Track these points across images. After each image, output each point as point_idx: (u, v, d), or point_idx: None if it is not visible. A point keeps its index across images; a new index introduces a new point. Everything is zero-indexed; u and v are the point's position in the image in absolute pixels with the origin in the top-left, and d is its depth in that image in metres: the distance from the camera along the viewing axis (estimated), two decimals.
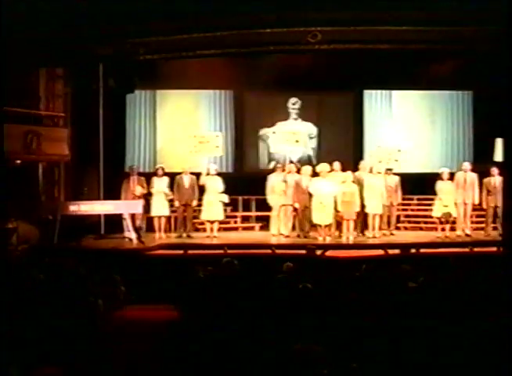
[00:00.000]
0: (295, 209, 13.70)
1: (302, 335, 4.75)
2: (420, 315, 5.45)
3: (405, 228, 14.98)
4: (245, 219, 15.73)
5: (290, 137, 14.23)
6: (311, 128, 16.92)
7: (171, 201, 13.95)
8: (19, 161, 12.80)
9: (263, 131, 16.90)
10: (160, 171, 14.02)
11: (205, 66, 15.32)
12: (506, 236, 10.69)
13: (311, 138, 16.89)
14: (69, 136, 13.67)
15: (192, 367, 4.50)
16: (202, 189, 13.91)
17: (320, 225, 13.48)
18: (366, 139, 16.53)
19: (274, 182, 13.94)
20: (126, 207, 13.27)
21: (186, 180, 13.89)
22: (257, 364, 4.44)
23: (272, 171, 14.50)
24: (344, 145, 16.91)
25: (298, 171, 14.08)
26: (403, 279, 6.88)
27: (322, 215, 13.39)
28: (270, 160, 16.72)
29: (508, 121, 6.86)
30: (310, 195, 13.51)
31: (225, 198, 13.98)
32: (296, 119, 16.95)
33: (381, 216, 13.81)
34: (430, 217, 14.07)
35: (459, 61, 15.05)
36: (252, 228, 15.44)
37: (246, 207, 15.76)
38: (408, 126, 16.77)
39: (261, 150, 17.00)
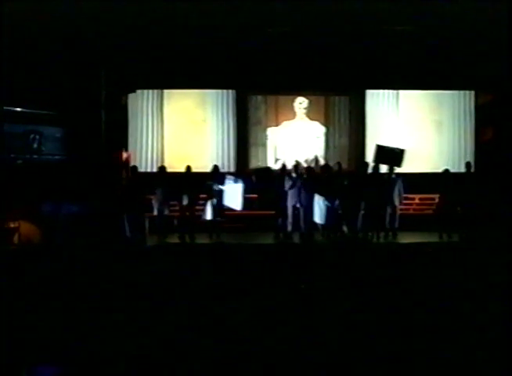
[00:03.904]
0: (297, 209, 13.62)
1: None
2: None
3: (407, 227, 14.80)
4: (247, 219, 15.60)
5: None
6: (318, 128, 16.87)
7: (174, 200, 13.92)
8: (20, 161, 12.88)
9: (269, 131, 16.85)
10: (162, 171, 14.01)
11: (211, 66, 15.30)
12: None
13: (317, 137, 16.85)
14: (70, 136, 13.73)
15: None
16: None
17: (322, 225, 13.44)
18: (373, 139, 16.35)
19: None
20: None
21: (190, 180, 13.85)
22: None
23: (280, 170, 14.41)
24: (350, 144, 16.86)
25: (303, 171, 14.01)
26: None
27: (323, 214, 13.34)
28: (277, 160, 16.65)
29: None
30: (313, 194, 13.46)
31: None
32: (302, 118, 16.89)
33: (384, 215, 13.71)
34: (433, 216, 13.94)
35: (461, 60, 14.91)
36: (253, 228, 15.30)
37: (249, 207, 15.64)
38: (414, 126, 16.66)
39: (269, 149, 16.93)
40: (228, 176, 13.81)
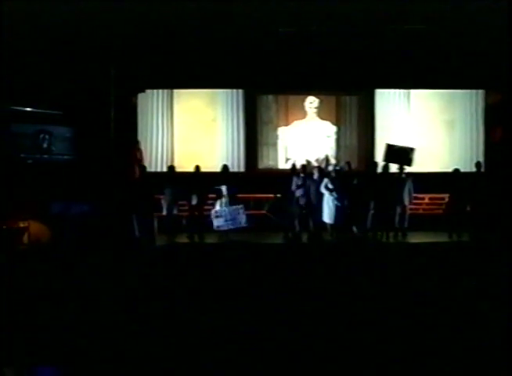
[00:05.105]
0: (304, 208, 13.58)
1: None
2: None
3: (417, 227, 14.74)
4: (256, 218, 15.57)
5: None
6: (328, 128, 16.82)
7: (183, 200, 13.94)
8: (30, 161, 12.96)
9: (280, 131, 16.84)
10: (172, 170, 14.05)
11: (220, 65, 15.30)
12: None
13: (328, 137, 16.81)
14: (80, 136, 13.79)
15: None
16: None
17: (331, 224, 13.41)
18: (383, 139, 16.30)
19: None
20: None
21: (199, 179, 13.87)
22: None
23: (290, 170, 14.37)
24: (360, 144, 16.79)
25: (312, 171, 14.00)
26: None
27: (332, 213, 13.32)
28: (287, 159, 16.63)
29: None
30: (322, 194, 13.44)
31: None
32: (313, 118, 16.86)
33: (393, 215, 13.65)
34: (442, 216, 13.88)
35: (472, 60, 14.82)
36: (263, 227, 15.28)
37: (258, 207, 15.64)
38: (424, 125, 16.60)
39: (279, 149, 16.92)
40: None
